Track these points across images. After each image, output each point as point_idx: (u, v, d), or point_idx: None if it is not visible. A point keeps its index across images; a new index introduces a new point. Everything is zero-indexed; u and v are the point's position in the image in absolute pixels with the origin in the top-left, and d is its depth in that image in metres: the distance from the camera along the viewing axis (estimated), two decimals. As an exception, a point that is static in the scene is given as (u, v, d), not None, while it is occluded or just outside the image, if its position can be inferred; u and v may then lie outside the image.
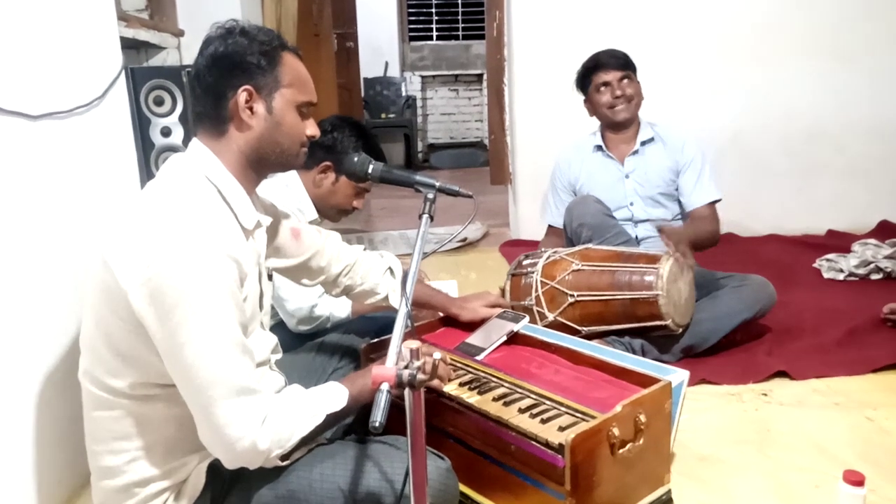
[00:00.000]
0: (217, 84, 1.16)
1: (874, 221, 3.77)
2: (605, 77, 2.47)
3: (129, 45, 2.78)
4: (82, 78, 1.64)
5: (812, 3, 3.77)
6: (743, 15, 3.77)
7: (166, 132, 2.50)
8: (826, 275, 3.13)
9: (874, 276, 3.04)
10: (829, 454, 1.71)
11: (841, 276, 3.08)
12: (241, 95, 1.15)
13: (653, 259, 2.11)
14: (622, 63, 2.48)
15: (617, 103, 2.47)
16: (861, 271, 3.05)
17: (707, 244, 2.41)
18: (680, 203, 2.53)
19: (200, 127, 1.20)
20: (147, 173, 2.47)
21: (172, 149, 2.50)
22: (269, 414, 1.06)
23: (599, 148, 2.57)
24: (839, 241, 3.48)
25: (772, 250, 3.51)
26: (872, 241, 3.20)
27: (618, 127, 2.53)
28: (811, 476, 1.62)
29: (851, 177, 3.91)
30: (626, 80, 2.47)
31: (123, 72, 1.79)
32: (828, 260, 3.19)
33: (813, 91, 3.84)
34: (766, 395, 2.05)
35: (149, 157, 2.48)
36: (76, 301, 1.52)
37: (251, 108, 1.17)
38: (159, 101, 2.48)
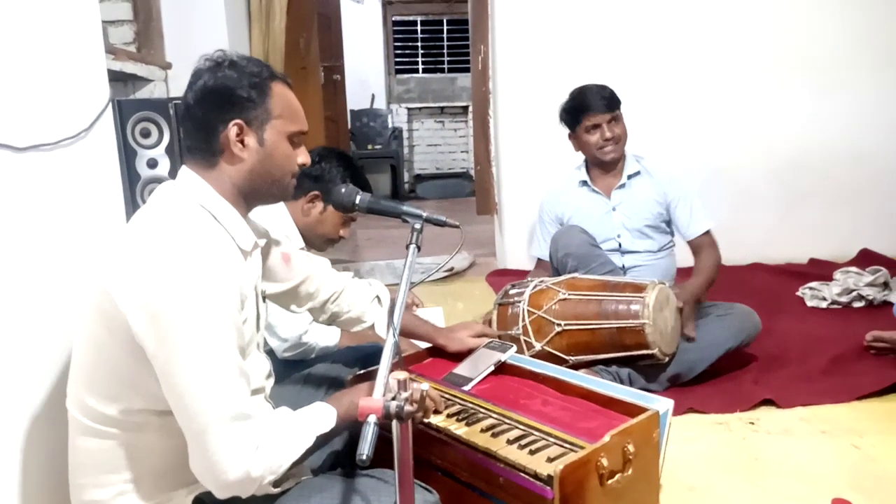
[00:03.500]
0: (207, 118, 1.16)
1: (856, 249, 3.82)
2: (595, 120, 2.48)
3: (116, 78, 2.80)
4: (69, 110, 1.64)
5: (795, 35, 3.85)
6: (726, 47, 3.85)
7: (152, 164, 2.49)
8: (809, 303, 3.16)
9: (856, 304, 3.07)
10: (817, 482, 1.71)
11: (824, 304, 3.11)
12: (232, 130, 1.15)
13: (639, 288, 2.12)
14: (610, 104, 2.49)
15: (607, 145, 2.49)
16: (843, 299, 3.08)
17: (715, 276, 2.45)
18: (671, 234, 2.56)
19: (191, 158, 1.20)
20: (133, 205, 2.46)
21: (158, 180, 2.49)
22: (263, 440, 1.05)
23: (585, 183, 2.60)
24: (821, 270, 3.52)
25: (756, 279, 3.54)
26: (854, 269, 3.24)
27: (605, 165, 2.55)
28: (800, 505, 1.61)
29: (833, 205, 3.97)
30: (613, 122, 2.49)
31: (110, 104, 1.79)
32: (811, 288, 3.22)
33: (796, 121, 3.91)
34: (753, 423, 2.05)
35: (134, 189, 2.47)
36: (63, 331, 1.50)
37: (242, 142, 1.16)
38: (146, 133, 2.48)
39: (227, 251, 1.12)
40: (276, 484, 1.09)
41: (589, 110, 2.49)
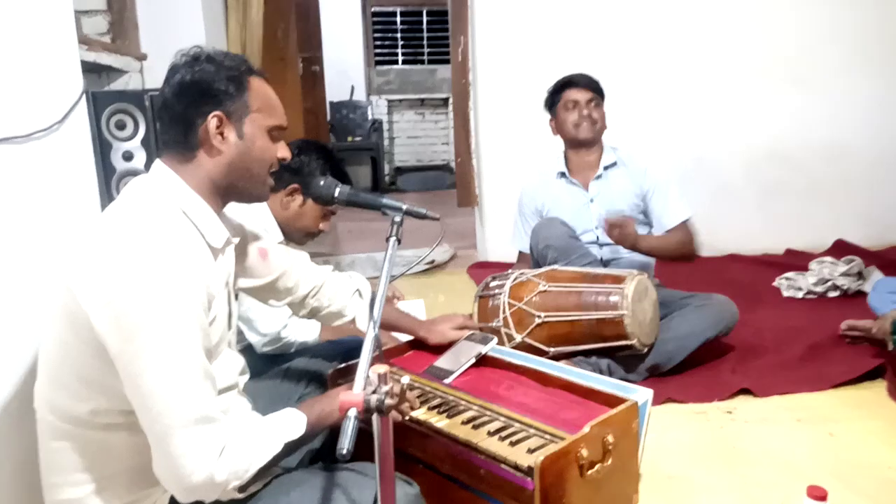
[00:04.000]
0: (186, 112, 1.15)
1: (831, 240, 3.88)
2: (575, 95, 2.53)
3: (90, 69, 2.75)
4: (41, 102, 1.61)
5: (772, 30, 3.91)
6: (706, 43, 3.89)
7: (128, 156, 2.46)
8: (785, 293, 3.20)
9: (831, 294, 3.12)
10: (794, 470, 1.74)
11: (800, 294, 3.15)
12: (212, 122, 1.14)
13: (618, 279, 2.14)
14: (593, 86, 2.55)
15: (582, 122, 2.52)
16: (819, 289, 3.13)
17: (677, 254, 2.47)
18: (649, 225, 2.57)
19: (167, 153, 1.18)
20: (108, 198, 2.42)
21: (134, 173, 2.45)
22: (227, 444, 1.03)
23: (563, 175, 2.61)
24: (797, 260, 3.57)
25: (733, 270, 3.58)
26: (829, 259, 3.29)
27: (579, 146, 2.56)
28: (776, 492, 1.64)
29: (809, 197, 4.03)
30: (593, 103, 2.53)
31: (84, 96, 1.76)
32: (787, 279, 3.27)
33: (772, 115, 3.97)
34: (730, 412, 2.08)
35: (110, 182, 2.43)
36: (33, 329, 1.48)
37: (222, 134, 1.15)
38: (121, 126, 2.45)
39: (194, 249, 1.11)
40: (241, 489, 1.08)
41: (570, 86, 2.55)
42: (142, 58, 3.11)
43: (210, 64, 1.16)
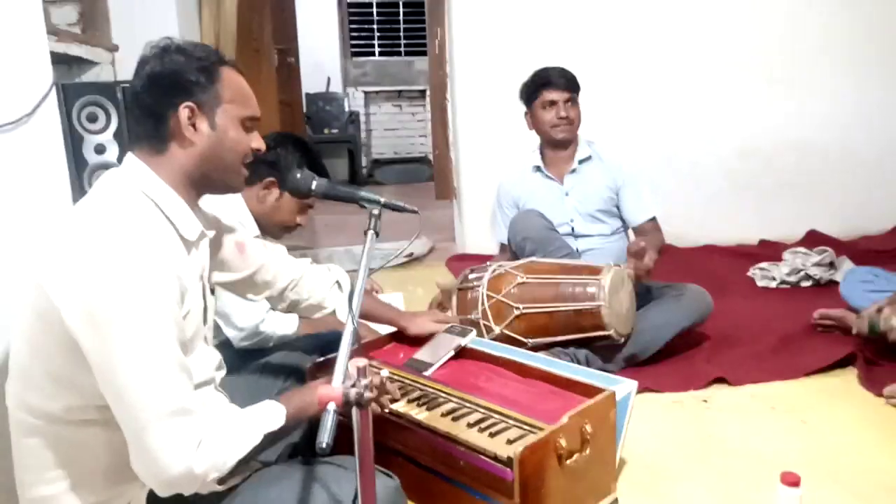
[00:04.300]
0: (157, 103, 1.13)
1: (803, 231, 3.94)
2: (553, 96, 2.52)
3: (59, 61, 2.70)
4: (9, 94, 1.58)
5: (743, 28, 3.96)
6: (679, 39, 3.92)
7: (100, 149, 2.42)
8: (759, 283, 3.25)
9: (804, 284, 3.17)
10: (767, 457, 1.77)
11: (773, 284, 3.20)
12: (184, 112, 1.13)
13: (595, 270, 2.15)
14: (570, 84, 2.54)
15: (560, 124, 2.52)
16: (792, 279, 3.18)
17: (660, 255, 2.49)
18: (622, 218, 2.60)
19: (138, 146, 1.16)
20: (80, 192, 2.38)
21: (106, 166, 2.41)
22: (205, 436, 1.03)
23: (538, 168, 2.62)
24: (771, 251, 3.62)
25: (708, 260, 3.62)
26: (802, 249, 3.34)
27: (556, 145, 2.58)
28: (751, 479, 1.67)
29: (782, 189, 4.09)
30: (570, 103, 2.53)
31: (54, 88, 1.73)
32: (761, 269, 3.31)
33: (745, 110, 4.03)
34: (706, 401, 2.11)
35: (82, 176, 2.39)
36: (3, 325, 1.45)
37: (194, 125, 1.14)
38: (92, 118, 2.40)
39: (166, 242, 1.09)
40: (221, 481, 1.07)
41: (548, 86, 2.53)
42: (113, 49, 3.05)
43: (180, 55, 1.15)
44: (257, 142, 1.23)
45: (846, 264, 3.18)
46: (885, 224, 4.07)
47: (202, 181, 1.18)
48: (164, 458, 0.99)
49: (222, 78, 1.17)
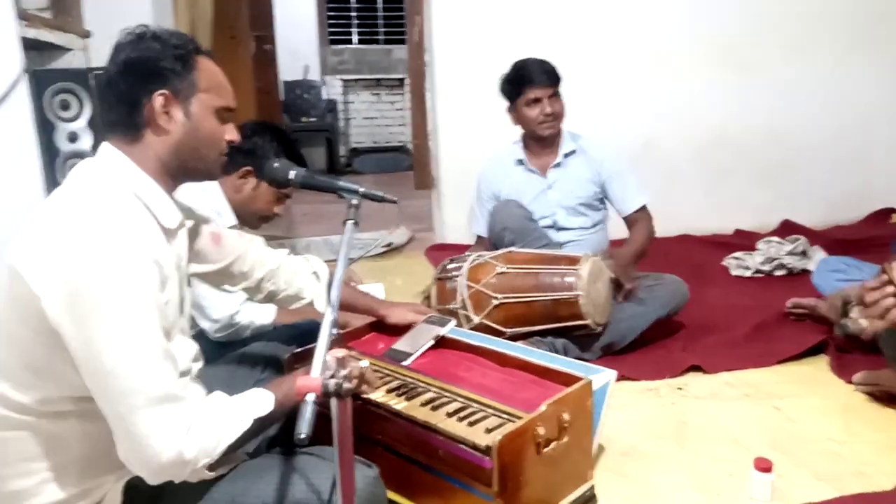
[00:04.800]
0: (132, 91, 1.12)
1: (777, 220, 4.00)
2: (537, 93, 2.49)
3: (30, 46, 2.64)
4: (-22, 80, 1.55)
5: (717, 18, 3.98)
6: (654, 29, 3.94)
7: (73, 138, 2.38)
8: (734, 272, 3.29)
9: (778, 273, 3.22)
10: (741, 443, 1.80)
11: (748, 273, 3.25)
12: (158, 100, 1.12)
13: (573, 261, 2.17)
14: (552, 79, 2.51)
15: (546, 121, 2.50)
16: (766, 268, 3.22)
17: (646, 249, 2.53)
18: (605, 210, 2.61)
19: (113, 135, 1.15)
20: (52, 181, 2.34)
21: (80, 155, 2.38)
22: (195, 421, 1.02)
23: (521, 162, 2.61)
24: (745, 240, 3.67)
25: (683, 250, 3.66)
26: (775, 238, 3.38)
27: (542, 140, 2.57)
28: (725, 465, 1.69)
29: (756, 179, 4.14)
30: (553, 97, 2.51)
31: (25, 75, 1.70)
32: (735, 258, 3.36)
33: (719, 100, 4.06)
34: (681, 388, 2.14)
35: (54, 164, 2.35)
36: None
37: (168, 113, 1.13)
38: (65, 106, 2.36)
39: (147, 229, 1.09)
40: (211, 468, 1.07)
41: (531, 83, 2.49)
42: (86, 35, 3.00)
43: (156, 42, 1.13)
44: (231, 133, 1.22)
45: (819, 254, 3.23)
46: (856, 214, 4.15)
47: (178, 170, 1.17)
48: (154, 444, 0.98)
49: (199, 67, 1.16)
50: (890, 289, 1.48)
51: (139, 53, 1.12)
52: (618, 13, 3.90)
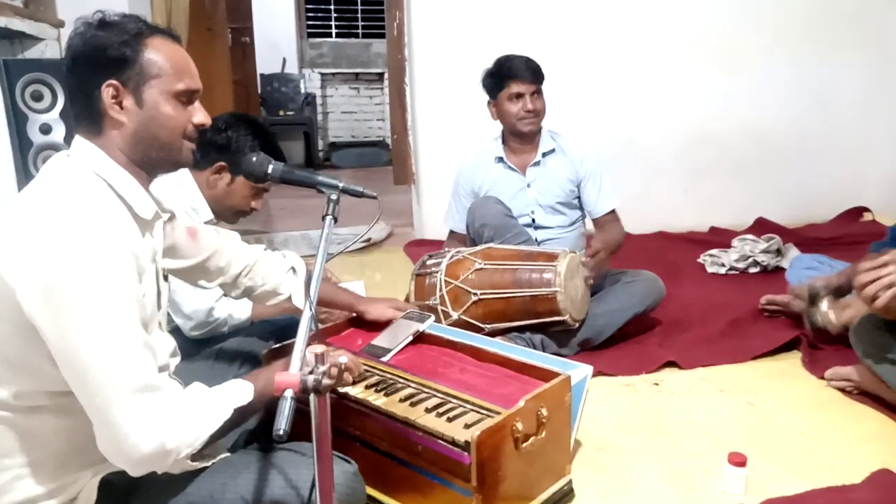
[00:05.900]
0: (82, 84, 1.09)
1: (752, 219, 4.06)
2: (520, 88, 2.47)
3: (1, 36, 2.59)
4: (-53, 69, 1.51)
5: (698, 16, 4.02)
6: (635, 26, 3.97)
7: (46, 129, 2.33)
8: (709, 269, 3.33)
9: (752, 270, 3.27)
10: (716, 438, 1.82)
11: (723, 270, 3.29)
12: (106, 92, 1.08)
13: (551, 257, 2.18)
14: (536, 76, 2.50)
15: (527, 117, 2.49)
16: (741, 265, 3.27)
17: (617, 247, 2.53)
18: (582, 210, 2.62)
19: (80, 126, 1.13)
20: (25, 173, 2.30)
21: (53, 147, 2.34)
22: (175, 411, 1.01)
23: (501, 159, 2.61)
24: (721, 238, 3.71)
25: (660, 247, 3.70)
26: (750, 236, 3.43)
27: (522, 137, 2.57)
28: (700, 460, 1.72)
29: (732, 177, 4.20)
30: (536, 94, 2.50)
31: (-4, 64, 1.66)
32: (711, 255, 3.40)
33: (698, 98, 4.10)
34: (657, 384, 2.16)
35: (27, 156, 2.31)
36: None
37: (120, 104, 1.09)
38: (37, 97, 2.32)
39: (122, 221, 1.07)
40: (193, 458, 1.06)
41: (515, 78, 2.48)
42: (59, 24, 2.94)
43: (103, 30, 1.09)
44: (200, 116, 1.16)
45: (792, 252, 3.28)
46: (829, 213, 4.22)
47: (143, 160, 1.13)
48: (135, 435, 0.97)
49: (150, 51, 1.10)
50: (888, 268, 1.48)
51: (85, 45, 1.08)
52: (598, 11, 3.92)
